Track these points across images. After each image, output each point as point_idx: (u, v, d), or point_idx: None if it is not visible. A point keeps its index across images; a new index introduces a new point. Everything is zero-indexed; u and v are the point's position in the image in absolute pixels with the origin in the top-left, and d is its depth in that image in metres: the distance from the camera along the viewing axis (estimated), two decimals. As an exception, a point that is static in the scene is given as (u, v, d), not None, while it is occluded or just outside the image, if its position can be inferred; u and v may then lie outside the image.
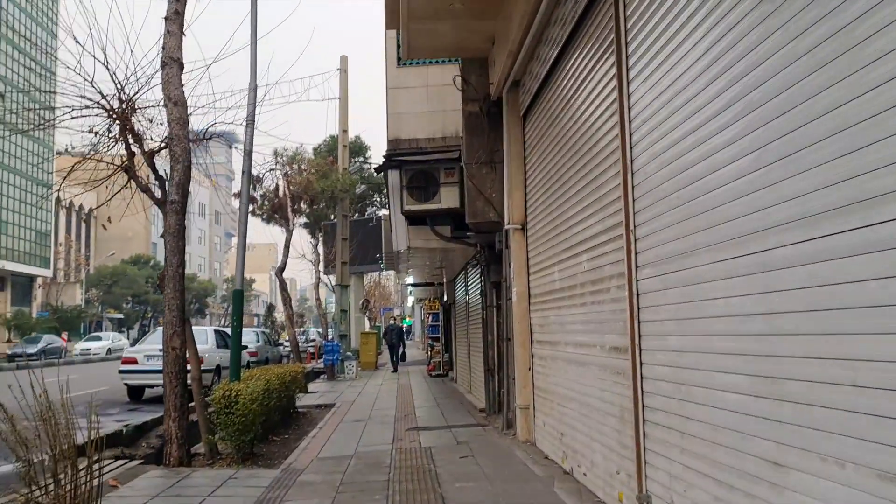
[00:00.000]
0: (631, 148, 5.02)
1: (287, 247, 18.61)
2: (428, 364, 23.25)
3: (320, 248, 26.45)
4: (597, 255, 5.89)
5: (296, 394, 13.54)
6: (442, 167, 11.91)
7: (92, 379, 20.15)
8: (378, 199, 38.98)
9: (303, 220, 26.68)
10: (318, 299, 24.21)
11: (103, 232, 72.64)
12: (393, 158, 12.09)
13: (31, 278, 60.14)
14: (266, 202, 21.59)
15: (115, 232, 73.34)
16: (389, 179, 12.48)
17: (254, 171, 21.77)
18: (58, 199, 56.53)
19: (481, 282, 12.68)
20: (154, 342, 16.64)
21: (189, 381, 8.58)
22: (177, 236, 8.21)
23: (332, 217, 26.25)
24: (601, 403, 5.83)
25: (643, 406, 4.85)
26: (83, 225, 71.82)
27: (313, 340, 37.05)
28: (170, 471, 7.89)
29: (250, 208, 21.14)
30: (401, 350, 25.85)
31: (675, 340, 4.34)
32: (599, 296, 5.84)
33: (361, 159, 36.44)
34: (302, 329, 48.20)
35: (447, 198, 11.85)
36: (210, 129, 9.51)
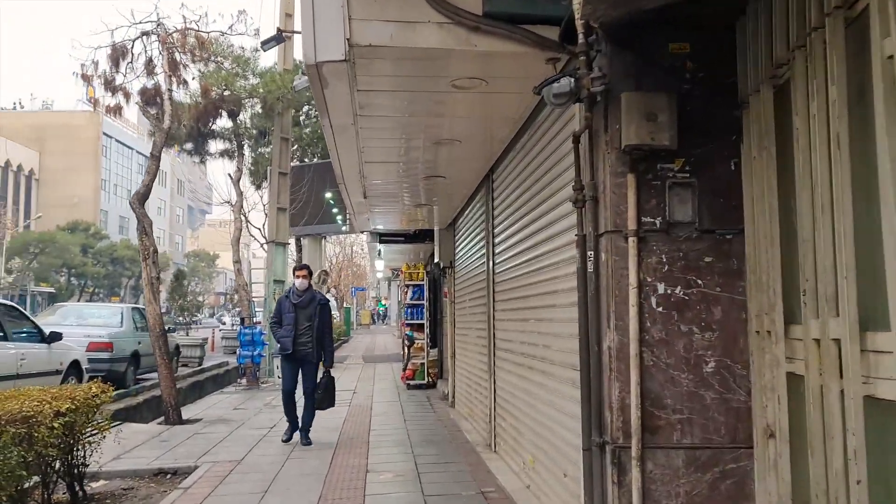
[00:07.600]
0: None
1: (157, 155, 10.15)
2: (404, 368, 14.84)
3: (248, 186, 18.04)
4: None
5: (83, 452, 5.31)
6: None
7: None
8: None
9: (221, 145, 18.08)
10: (237, 262, 15.76)
11: (47, 197, 63.51)
12: None
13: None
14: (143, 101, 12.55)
15: (59, 198, 64.04)
16: None
17: (118, 39, 12.75)
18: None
19: (575, 171, 4.34)
20: None
21: None
22: None
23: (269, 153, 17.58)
24: None
25: None
26: (21, 188, 62.45)
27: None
28: None
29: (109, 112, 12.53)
30: (321, 374, 7.86)
31: None
32: None
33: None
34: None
35: None
36: None
